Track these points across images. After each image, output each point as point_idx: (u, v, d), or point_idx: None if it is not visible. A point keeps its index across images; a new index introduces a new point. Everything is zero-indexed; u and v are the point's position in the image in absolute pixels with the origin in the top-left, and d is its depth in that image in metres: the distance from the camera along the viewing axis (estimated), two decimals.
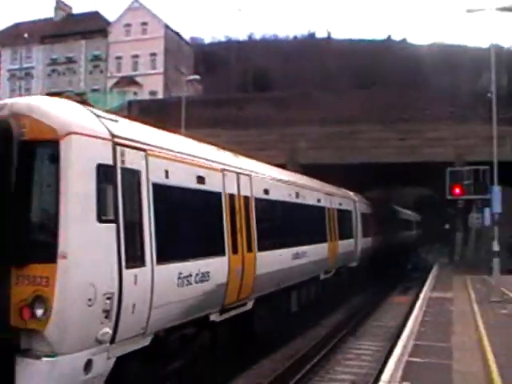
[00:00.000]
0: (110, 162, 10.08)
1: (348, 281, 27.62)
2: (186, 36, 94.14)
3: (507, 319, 18.88)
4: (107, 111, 10.61)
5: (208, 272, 12.95)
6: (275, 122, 42.20)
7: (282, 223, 18.31)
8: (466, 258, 40.11)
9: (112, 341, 9.96)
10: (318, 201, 23.28)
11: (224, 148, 14.52)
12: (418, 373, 12.36)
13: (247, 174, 15.99)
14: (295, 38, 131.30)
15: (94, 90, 75.71)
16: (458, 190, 31.90)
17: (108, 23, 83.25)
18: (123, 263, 10.04)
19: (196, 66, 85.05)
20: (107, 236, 9.86)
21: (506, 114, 35.16)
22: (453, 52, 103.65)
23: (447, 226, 51.98)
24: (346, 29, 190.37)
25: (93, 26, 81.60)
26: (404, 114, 41.40)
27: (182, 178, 12.29)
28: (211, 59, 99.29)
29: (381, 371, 13.15)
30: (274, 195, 17.75)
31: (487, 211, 30.99)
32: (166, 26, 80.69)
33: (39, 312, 9.14)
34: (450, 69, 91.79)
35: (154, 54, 78.48)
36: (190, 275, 12.13)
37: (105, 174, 9.92)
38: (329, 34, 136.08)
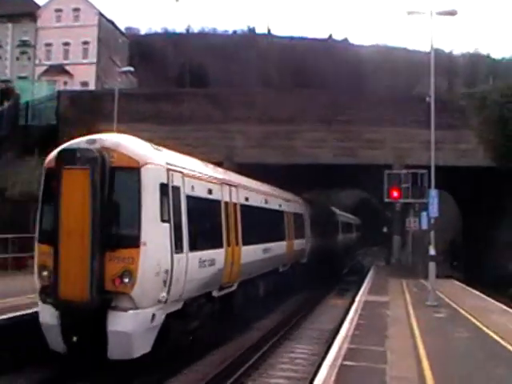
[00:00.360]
0: (166, 182, 15.72)
1: (300, 274, 34.01)
2: (121, 25, 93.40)
3: (442, 323, 19.10)
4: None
5: (214, 259, 18.56)
6: (212, 118, 41.33)
7: (256, 224, 23.79)
8: (403, 261, 41.12)
9: (165, 302, 15.38)
10: (280, 206, 29.92)
11: (166, 146, 17.59)
12: (352, 377, 12.47)
13: (235, 186, 21.86)
14: (234, 32, 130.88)
15: (21, 78, 73.47)
16: (395, 193, 32.52)
17: (38, 7, 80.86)
18: (173, 250, 15.58)
19: (131, 58, 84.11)
20: (165, 231, 15.37)
21: (444, 119, 35.74)
22: (394, 54, 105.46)
23: (385, 230, 52.79)
24: (286, 26, 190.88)
25: (21, 9, 78.92)
26: (343, 115, 41.06)
27: (201, 191, 18.15)
28: (147, 51, 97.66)
29: (315, 375, 13.25)
30: (251, 202, 23.68)
31: (424, 215, 31.82)
32: (100, 14, 79.10)
33: (127, 281, 14.52)
34: (390, 71, 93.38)
35: (86, 43, 76.97)
36: (205, 261, 17.72)
37: (163, 190, 15.54)
38: (269, 30, 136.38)
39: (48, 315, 15.32)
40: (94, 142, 15.60)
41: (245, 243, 21.67)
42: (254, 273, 23.84)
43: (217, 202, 19.87)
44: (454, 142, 38.73)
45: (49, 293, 15.24)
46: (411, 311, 21.15)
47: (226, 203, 20.60)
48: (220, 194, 20.01)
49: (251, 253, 22.56)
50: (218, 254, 19.06)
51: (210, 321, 19.33)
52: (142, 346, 15.10)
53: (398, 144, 39.93)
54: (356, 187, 68.99)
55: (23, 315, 16.79)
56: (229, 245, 20.21)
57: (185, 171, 17.32)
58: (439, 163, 28.02)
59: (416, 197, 32.52)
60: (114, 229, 14.97)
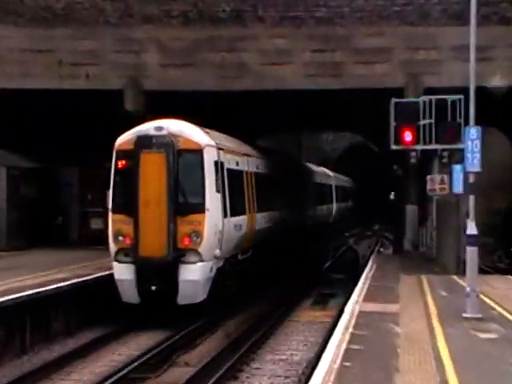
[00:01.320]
0: (217, 159, 21.01)
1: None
2: None
3: (492, 350, 12.28)
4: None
5: (241, 224, 23.14)
6: (106, 17, 27.68)
7: (266, 191, 27.74)
8: (423, 246, 30.50)
9: (217, 257, 20.65)
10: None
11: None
12: None
13: (250, 156, 26.07)
14: None
15: None
16: (409, 136, 22.96)
17: None
18: (223, 215, 20.97)
19: None
20: (218, 200, 20.81)
21: (494, 7, 25.92)
22: None
23: (392, 197, 44.87)
24: None
25: None
26: (322, 8, 27.15)
27: (232, 163, 22.87)
28: None
29: None
30: (259, 169, 27.32)
31: (458, 170, 20.37)
32: None
33: (195, 239, 19.87)
34: None
35: None
36: (236, 225, 22.51)
37: (216, 166, 20.86)
38: None
39: (124, 272, 20.06)
40: (161, 128, 20.28)
41: (258, 211, 26.21)
42: (265, 240, 27.63)
43: (241, 173, 24.23)
44: (510, 46, 26.89)
45: (127, 253, 20.07)
46: (437, 328, 14.19)
47: (247, 173, 24.99)
48: (242, 165, 24.48)
49: (262, 219, 27.15)
50: (243, 220, 23.58)
51: (238, 281, 23.93)
52: (204, 293, 20.13)
53: (412, 54, 27.49)
54: (345, 128, 52.50)
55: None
56: (249, 211, 24.79)
57: (224, 148, 22.16)
58: (484, 83, 22.06)
59: (444, 140, 22.81)
60: (184, 199, 20.10)
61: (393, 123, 23.01)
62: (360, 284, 21.09)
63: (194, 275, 19.85)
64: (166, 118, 21.04)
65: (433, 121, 23.09)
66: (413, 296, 18.79)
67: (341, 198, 58.84)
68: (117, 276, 20.31)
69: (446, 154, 24.68)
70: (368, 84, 27.58)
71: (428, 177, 26.55)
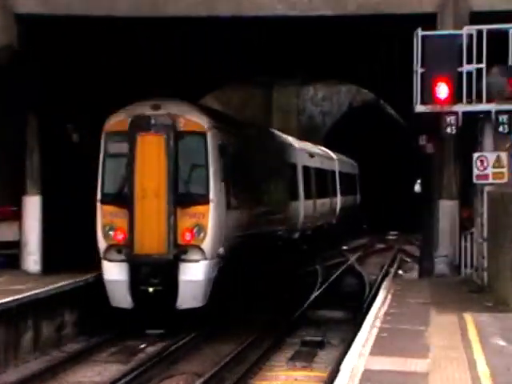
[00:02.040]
0: (221, 143, 19.49)
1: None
2: None
3: None
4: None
5: (238, 218, 21.05)
6: None
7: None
8: (466, 266, 19.91)
9: (221, 257, 19.17)
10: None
11: None
12: None
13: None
14: None
15: None
16: (444, 90, 16.55)
17: None
18: (226, 207, 19.53)
19: None
20: (223, 190, 19.37)
21: None
22: None
23: (418, 188, 34.98)
24: None
25: None
26: None
27: (235, 147, 21.26)
28: None
29: None
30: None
31: None
32: None
33: (198, 234, 18.37)
34: None
35: None
36: (233, 219, 20.52)
37: (221, 151, 19.34)
38: None
39: (115, 272, 18.55)
40: (159, 107, 18.78)
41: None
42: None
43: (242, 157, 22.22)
44: None
45: (119, 249, 18.51)
46: None
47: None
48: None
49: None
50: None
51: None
52: (206, 296, 18.55)
53: None
54: (344, 78, 39.09)
55: None
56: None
57: (225, 129, 20.34)
58: None
59: (502, 97, 16.59)
60: (186, 188, 18.75)
61: (419, 70, 16.51)
62: (366, 326, 13.68)
63: (196, 275, 18.45)
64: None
65: (483, 66, 16.43)
66: (451, 347, 12.32)
67: (346, 189, 45.79)
68: (106, 276, 18.73)
69: (504, 118, 16.90)
70: (381, 9, 18.89)
71: (475, 156, 17.71)
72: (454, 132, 17.64)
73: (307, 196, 32.88)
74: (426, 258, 22.72)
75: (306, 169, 33.41)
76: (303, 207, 31.60)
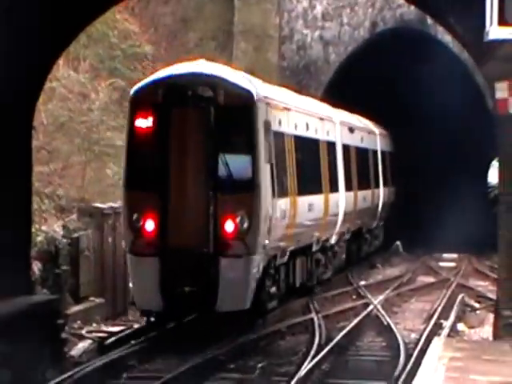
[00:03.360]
0: (267, 119, 17.92)
1: None
2: None
3: None
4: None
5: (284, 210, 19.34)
6: None
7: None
8: None
9: (265, 248, 17.36)
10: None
11: None
12: None
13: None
14: None
15: None
16: None
17: None
18: (273, 194, 17.94)
19: None
20: (268, 174, 17.66)
21: None
22: None
23: (495, 175, 24.57)
24: None
25: None
26: None
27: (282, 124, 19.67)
28: None
29: None
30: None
31: None
32: None
33: (243, 225, 16.68)
34: None
35: None
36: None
37: (266, 128, 17.77)
38: None
39: (144, 268, 16.48)
40: (199, 75, 16.92)
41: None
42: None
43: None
44: None
45: (149, 242, 16.47)
46: None
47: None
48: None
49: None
50: (286, 204, 19.38)
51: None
52: (250, 297, 16.56)
53: None
54: None
55: None
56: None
57: (273, 102, 18.49)
58: None
59: None
60: (229, 172, 16.69)
61: None
62: None
63: (240, 273, 16.53)
64: None
65: None
66: None
67: (387, 177, 34.86)
68: (133, 274, 16.99)
69: None
70: None
71: None
72: None
73: (347, 186, 27.14)
74: (507, 302, 14.55)
75: (345, 148, 27.63)
76: (344, 201, 26.24)
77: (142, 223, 16.63)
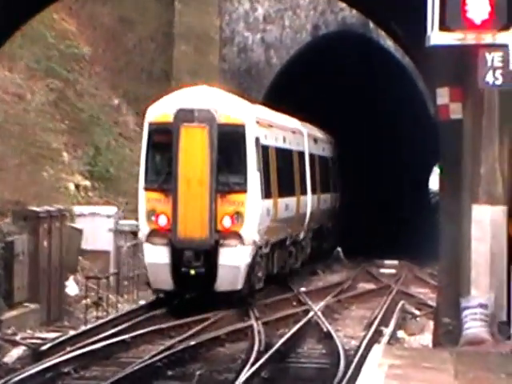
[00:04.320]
0: (257, 135, 22.55)
1: None
2: None
3: None
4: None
5: (269, 208, 23.88)
6: None
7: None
8: None
9: (256, 243, 22.22)
10: None
11: None
12: None
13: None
14: None
15: None
16: (483, 4, 11.12)
17: None
18: (262, 195, 22.84)
19: None
20: (258, 179, 22.16)
21: None
22: None
23: (435, 181, 26.28)
24: None
25: None
26: None
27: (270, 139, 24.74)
28: None
29: None
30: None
31: None
32: None
33: (237, 221, 21.05)
34: None
35: None
36: (269, 209, 24.02)
37: (257, 143, 22.23)
38: None
39: (158, 255, 20.99)
40: (202, 100, 21.48)
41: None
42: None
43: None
44: None
45: (162, 234, 20.90)
46: None
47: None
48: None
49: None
50: (270, 204, 23.68)
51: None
52: (243, 280, 21.05)
53: None
54: None
55: None
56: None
57: (264, 122, 23.47)
58: None
59: None
60: (226, 177, 21.32)
61: None
62: None
63: (235, 260, 20.92)
64: None
65: None
66: None
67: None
68: (149, 259, 21.14)
69: None
70: None
71: None
72: (499, 82, 11.64)
73: (313, 190, 30.49)
74: (447, 309, 14.26)
75: (311, 157, 31.22)
76: (311, 202, 29.63)
77: (156, 219, 20.98)
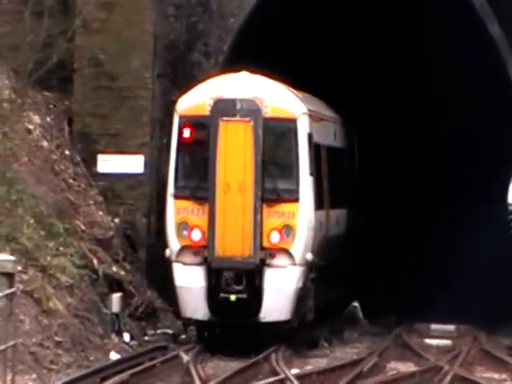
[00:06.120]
0: (310, 131, 20.34)
1: None
2: None
3: None
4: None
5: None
6: None
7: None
8: None
9: (309, 260, 19.68)
10: None
11: None
12: None
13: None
14: None
15: None
16: None
17: None
18: (315, 206, 20.02)
19: None
20: (311, 185, 19.94)
21: None
22: None
23: None
24: None
25: None
26: None
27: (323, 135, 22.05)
28: None
29: None
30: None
31: None
32: None
33: (288, 236, 18.78)
34: None
35: None
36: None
37: (309, 141, 20.00)
38: None
39: (191, 277, 18.75)
40: (245, 89, 18.82)
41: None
42: None
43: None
44: None
45: (196, 251, 18.74)
46: None
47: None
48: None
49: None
50: (323, 217, 21.17)
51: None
52: (293, 308, 18.92)
53: None
54: None
55: None
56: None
57: (317, 115, 20.76)
58: None
59: None
60: (273, 183, 18.81)
61: None
62: None
63: (285, 283, 18.76)
64: None
65: None
66: None
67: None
68: (179, 283, 18.96)
69: None
70: None
71: None
72: None
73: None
74: None
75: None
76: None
77: (188, 233, 18.87)
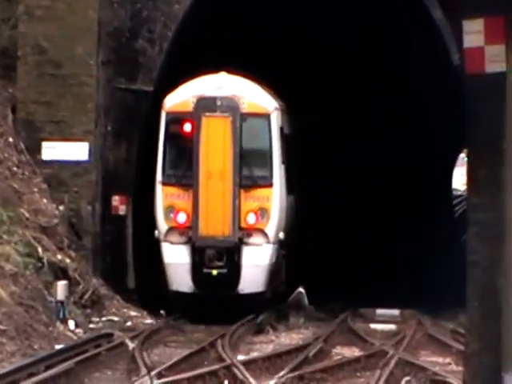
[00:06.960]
0: (281, 125, 23.16)
1: None
2: None
3: None
4: None
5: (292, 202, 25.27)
6: None
7: None
8: None
9: (280, 240, 22.28)
10: None
11: None
12: None
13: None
14: None
15: None
16: None
17: None
18: (286, 190, 22.46)
19: None
20: (283, 173, 22.44)
21: None
22: None
23: (459, 180, 22.76)
24: None
25: None
26: None
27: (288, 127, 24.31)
28: None
29: None
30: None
31: None
32: None
33: (262, 218, 21.25)
34: None
35: None
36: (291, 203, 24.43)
37: (281, 133, 22.53)
38: None
39: (177, 254, 21.33)
40: (224, 88, 21.29)
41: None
42: None
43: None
44: None
45: (181, 232, 21.18)
46: None
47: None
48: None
49: None
50: (292, 200, 24.04)
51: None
52: (268, 281, 21.43)
53: None
54: None
55: None
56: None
57: (284, 109, 23.02)
58: None
59: None
60: (250, 171, 21.41)
61: None
62: None
63: (260, 259, 21.19)
64: None
65: None
66: None
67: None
68: (167, 259, 21.26)
69: None
70: None
71: None
72: None
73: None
74: None
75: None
76: None
77: (174, 216, 21.18)
